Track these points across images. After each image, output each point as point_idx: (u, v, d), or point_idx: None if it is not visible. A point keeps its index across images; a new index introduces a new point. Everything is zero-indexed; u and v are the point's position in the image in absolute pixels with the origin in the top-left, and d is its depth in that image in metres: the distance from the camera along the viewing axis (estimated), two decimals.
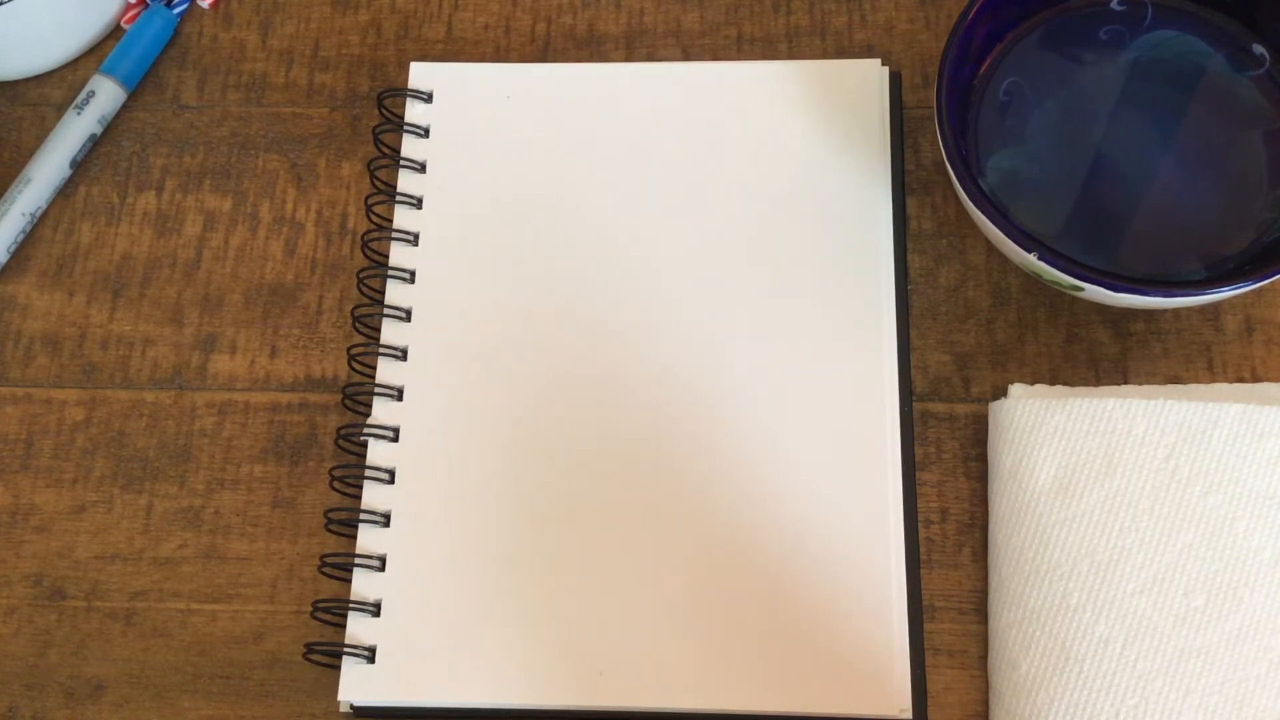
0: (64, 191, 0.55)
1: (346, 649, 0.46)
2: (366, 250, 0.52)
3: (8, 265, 0.54)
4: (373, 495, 0.49)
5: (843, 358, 0.49)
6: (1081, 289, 0.45)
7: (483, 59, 0.56)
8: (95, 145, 0.56)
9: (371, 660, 0.46)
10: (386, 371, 0.50)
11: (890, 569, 0.46)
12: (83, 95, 0.55)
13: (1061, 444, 0.46)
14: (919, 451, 0.49)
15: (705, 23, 0.56)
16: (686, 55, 0.56)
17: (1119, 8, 0.51)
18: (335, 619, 0.47)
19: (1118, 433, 0.45)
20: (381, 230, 0.52)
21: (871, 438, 0.48)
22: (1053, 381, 0.49)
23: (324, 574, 0.48)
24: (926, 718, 0.45)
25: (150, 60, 0.57)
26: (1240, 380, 0.49)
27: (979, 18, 0.48)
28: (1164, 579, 0.44)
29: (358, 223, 0.54)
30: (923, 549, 0.48)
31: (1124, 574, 0.44)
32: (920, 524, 0.48)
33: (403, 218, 0.53)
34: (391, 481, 0.49)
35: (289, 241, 0.54)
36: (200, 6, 0.58)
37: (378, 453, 0.49)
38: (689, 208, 0.52)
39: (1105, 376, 0.49)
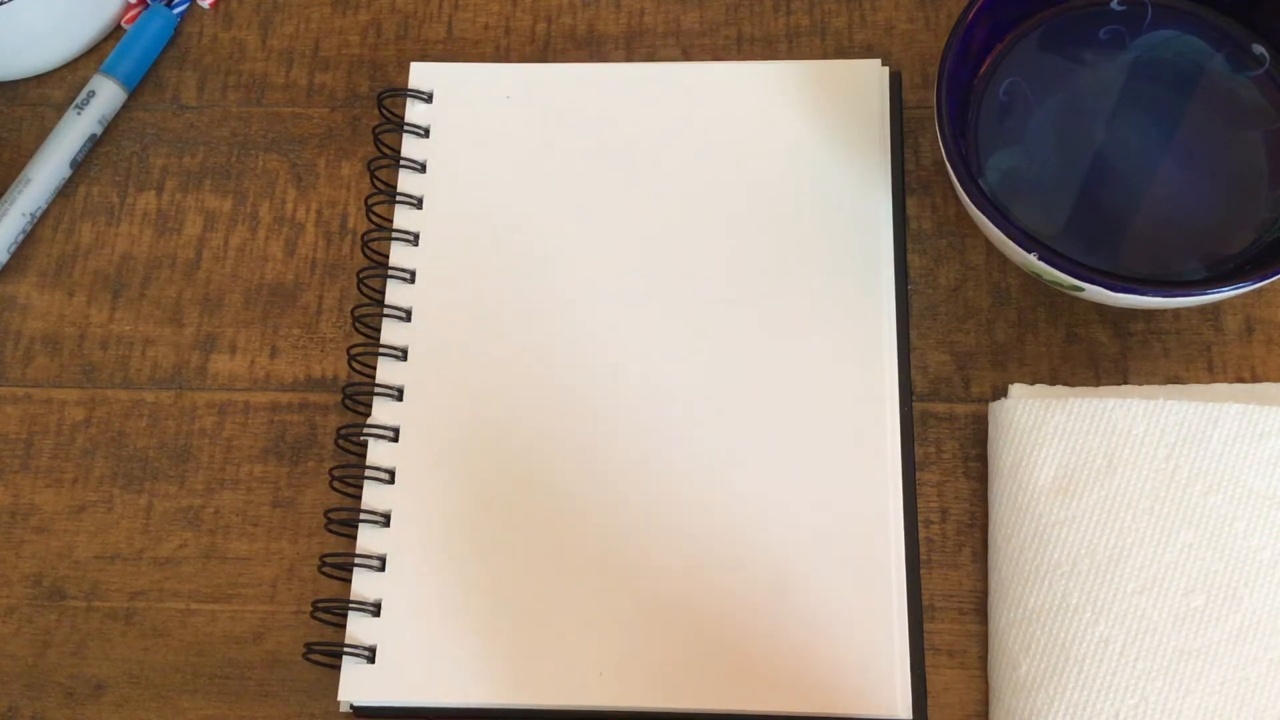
0: (64, 191, 0.55)
1: (346, 649, 0.46)
2: (366, 250, 0.52)
3: (8, 265, 0.54)
4: (373, 495, 0.49)
5: (843, 358, 0.49)
6: (1081, 289, 0.45)
7: (483, 59, 0.56)
8: (95, 145, 0.56)
9: (371, 660, 0.46)
10: (386, 371, 0.50)
11: (890, 569, 0.46)
12: (83, 95, 0.55)
13: (1061, 444, 0.46)
14: (919, 451, 0.49)
15: (705, 23, 0.56)
16: (686, 55, 0.56)
17: (1119, 8, 0.51)
18: (335, 619, 0.47)
19: (1118, 433, 0.45)
20: (381, 230, 0.52)
21: (871, 438, 0.48)
22: (1053, 381, 0.49)
23: (324, 574, 0.48)
24: (926, 718, 0.45)
25: (150, 60, 0.57)
26: (1240, 380, 0.49)
27: (979, 18, 0.48)
28: (1164, 579, 0.44)
29: (358, 223, 0.54)
30: (923, 549, 0.48)
31: (1124, 574, 0.44)
32: (920, 524, 0.48)
33: (403, 218, 0.53)
34: (391, 481, 0.49)
35: (289, 241, 0.54)
36: (200, 6, 0.58)
37: (378, 453, 0.49)
38: (689, 207, 0.52)
39: (1105, 376, 0.49)
